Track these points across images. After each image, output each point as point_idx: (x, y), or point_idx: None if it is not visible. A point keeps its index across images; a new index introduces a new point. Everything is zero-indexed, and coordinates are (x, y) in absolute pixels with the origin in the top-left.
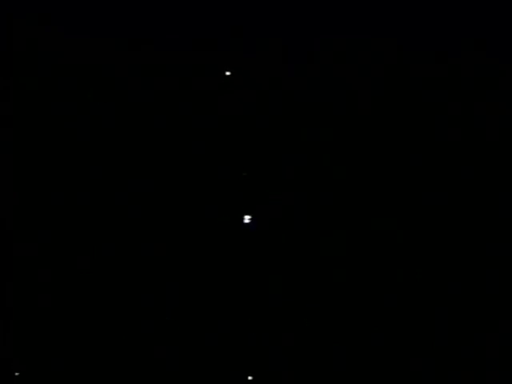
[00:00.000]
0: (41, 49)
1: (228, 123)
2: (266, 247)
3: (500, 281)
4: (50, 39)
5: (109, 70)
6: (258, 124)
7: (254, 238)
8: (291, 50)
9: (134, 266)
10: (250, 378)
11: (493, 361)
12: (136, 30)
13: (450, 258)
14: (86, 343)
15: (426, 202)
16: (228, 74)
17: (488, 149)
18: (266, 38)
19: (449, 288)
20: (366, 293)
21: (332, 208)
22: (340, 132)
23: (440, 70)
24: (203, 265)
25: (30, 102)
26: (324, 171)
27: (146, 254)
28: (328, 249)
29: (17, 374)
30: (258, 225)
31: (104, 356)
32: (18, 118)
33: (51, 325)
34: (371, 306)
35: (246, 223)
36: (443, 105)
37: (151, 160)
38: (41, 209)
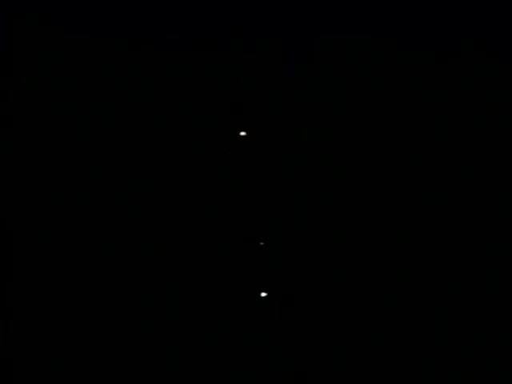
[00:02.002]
0: (41, 49)
1: (228, 123)
2: (266, 246)
3: (500, 281)
4: (49, 39)
5: (109, 69)
6: (258, 124)
7: (253, 238)
8: (291, 49)
9: (133, 266)
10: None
11: (493, 361)
12: (136, 30)
13: (450, 258)
14: (86, 343)
15: (425, 202)
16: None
17: (488, 149)
18: (265, 38)
19: (449, 288)
20: (366, 293)
21: (332, 208)
22: (340, 132)
23: (440, 70)
24: (203, 264)
25: (30, 102)
26: (324, 171)
27: (146, 254)
28: (328, 249)
29: (16, 373)
30: (257, 225)
31: (104, 356)
32: (18, 118)
33: (51, 325)
34: (371, 305)
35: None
36: (443, 105)
37: (151, 160)
38: (41, 209)
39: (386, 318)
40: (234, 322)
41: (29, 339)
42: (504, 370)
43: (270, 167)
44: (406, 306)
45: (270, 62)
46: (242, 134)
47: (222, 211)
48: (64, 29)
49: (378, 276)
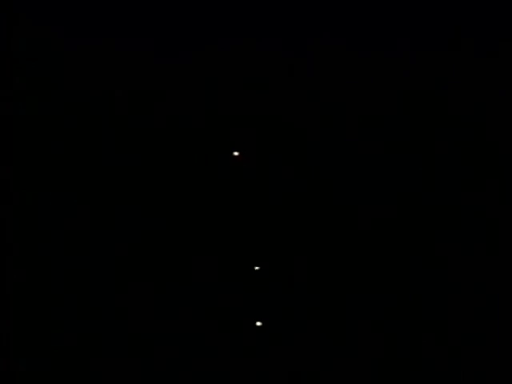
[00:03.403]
0: (41, 49)
1: (228, 123)
2: (267, 247)
3: (500, 281)
4: (50, 39)
5: (109, 70)
6: (257, 124)
7: (254, 237)
8: (291, 49)
9: (133, 266)
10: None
11: (493, 361)
12: (136, 30)
13: (449, 257)
14: (85, 343)
15: (425, 202)
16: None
17: (488, 149)
18: (266, 38)
19: (449, 288)
20: (365, 291)
21: (332, 208)
22: (340, 132)
23: (440, 69)
24: (205, 265)
25: (29, 102)
26: (324, 171)
27: (146, 254)
28: (327, 248)
29: (17, 373)
30: (258, 224)
31: (104, 356)
32: (18, 118)
33: (51, 325)
34: (371, 305)
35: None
36: (443, 105)
37: (151, 160)
38: (41, 209)
39: (385, 316)
40: (234, 322)
41: (29, 339)
42: (504, 370)
43: (270, 167)
44: (405, 308)
45: (270, 61)
46: (236, 153)
47: (220, 208)
48: (64, 29)
49: (377, 275)
